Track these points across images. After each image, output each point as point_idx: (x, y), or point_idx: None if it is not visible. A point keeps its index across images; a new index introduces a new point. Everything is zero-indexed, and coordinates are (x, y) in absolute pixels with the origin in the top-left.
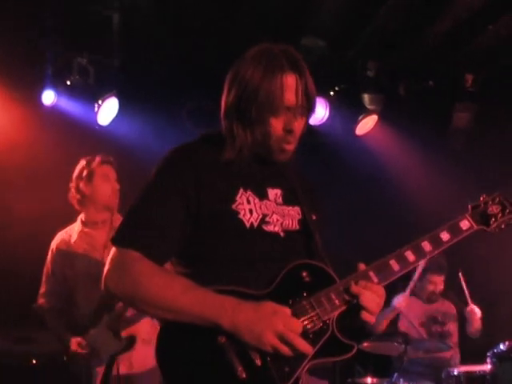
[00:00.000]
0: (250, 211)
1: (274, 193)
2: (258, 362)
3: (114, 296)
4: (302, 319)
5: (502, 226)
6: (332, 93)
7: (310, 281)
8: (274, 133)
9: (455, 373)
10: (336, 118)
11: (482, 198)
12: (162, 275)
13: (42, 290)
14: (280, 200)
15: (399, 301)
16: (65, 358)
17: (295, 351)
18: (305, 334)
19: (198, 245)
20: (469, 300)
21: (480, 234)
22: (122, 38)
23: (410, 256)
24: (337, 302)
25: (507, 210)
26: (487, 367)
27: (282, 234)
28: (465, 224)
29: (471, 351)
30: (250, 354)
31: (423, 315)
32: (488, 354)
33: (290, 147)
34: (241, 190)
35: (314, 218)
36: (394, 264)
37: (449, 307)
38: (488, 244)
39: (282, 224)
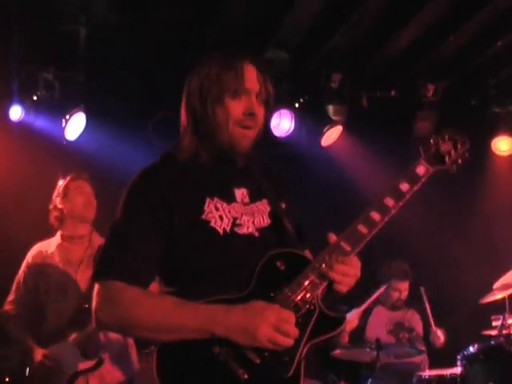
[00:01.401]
0: (221, 217)
1: (240, 192)
2: (257, 361)
3: (106, 328)
4: (290, 307)
5: (459, 161)
6: (297, 105)
7: (286, 268)
8: (234, 116)
9: (426, 376)
10: (301, 129)
11: (432, 141)
12: (149, 298)
13: (11, 298)
14: (247, 199)
15: (349, 317)
16: (26, 370)
17: (291, 340)
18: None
19: (176, 262)
20: (431, 321)
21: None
22: (88, 53)
23: (376, 215)
24: (316, 280)
25: (459, 144)
26: (457, 370)
27: (256, 234)
28: (420, 169)
29: (437, 355)
30: (247, 355)
31: (390, 322)
32: (458, 357)
33: (250, 133)
34: (207, 200)
35: (283, 206)
36: (362, 228)
37: (413, 314)
38: (445, 253)
39: (254, 223)
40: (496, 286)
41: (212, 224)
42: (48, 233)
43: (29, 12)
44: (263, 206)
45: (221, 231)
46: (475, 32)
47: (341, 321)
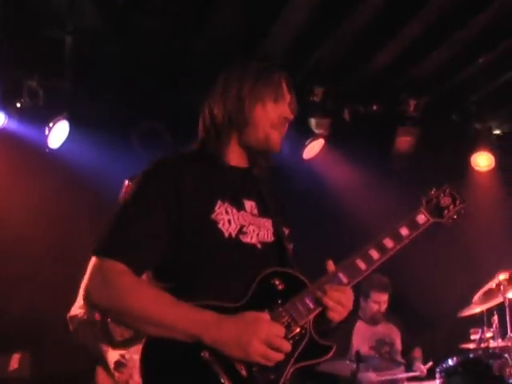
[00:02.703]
0: (229, 221)
1: (249, 204)
2: (244, 373)
3: (95, 307)
4: (281, 325)
5: (454, 217)
6: None
7: (283, 288)
8: (271, 118)
9: None
10: (283, 141)
11: (433, 192)
12: (147, 290)
13: (80, 303)
14: (256, 211)
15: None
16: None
17: (283, 355)
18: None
19: (177, 258)
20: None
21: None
22: (73, 61)
23: (374, 254)
24: (311, 305)
25: (457, 201)
26: (436, 383)
27: (259, 246)
28: (421, 218)
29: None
30: (235, 366)
31: (372, 338)
32: (437, 370)
33: (281, 136)
34: (219, 202)
35: (286, 232)
36: (360, 263)
37: (392, 329)
38: (423, 268)
39: (258, 235)
40: (475, 299)
41: (220, 225)
42: (30, 241)
43: (15, 19)
44: (268, 223)
45: (226, 234)
46: (457, 48)
47: (329, 349)
